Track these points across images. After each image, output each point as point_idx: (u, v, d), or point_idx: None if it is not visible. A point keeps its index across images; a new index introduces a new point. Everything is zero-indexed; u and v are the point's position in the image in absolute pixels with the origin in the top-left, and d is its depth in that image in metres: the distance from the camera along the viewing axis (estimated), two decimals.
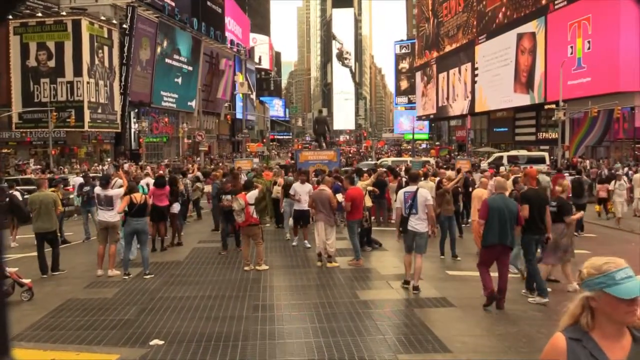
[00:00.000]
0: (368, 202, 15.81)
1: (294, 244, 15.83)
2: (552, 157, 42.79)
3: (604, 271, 2.47)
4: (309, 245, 15.32)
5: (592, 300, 2.49)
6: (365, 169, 20.68)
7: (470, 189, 17.55)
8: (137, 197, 12.41)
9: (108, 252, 12.51)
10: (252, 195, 12.98)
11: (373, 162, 36.30)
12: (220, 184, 19.56)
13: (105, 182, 13.07)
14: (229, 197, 13.96)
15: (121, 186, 13.40)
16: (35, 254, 12.68)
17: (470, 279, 11.98)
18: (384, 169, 21.37)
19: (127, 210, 12.40)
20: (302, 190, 15.16)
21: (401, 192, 11.33)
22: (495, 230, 9.34)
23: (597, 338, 2.49)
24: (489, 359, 7.36)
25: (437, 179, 16.51)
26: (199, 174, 22.05)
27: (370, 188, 16.33)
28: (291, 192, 15.53)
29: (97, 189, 13.05)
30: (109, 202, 12.48)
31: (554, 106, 45.95)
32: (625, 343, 2.50)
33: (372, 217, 17.36)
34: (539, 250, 10.77)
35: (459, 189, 16.93)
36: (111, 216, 12.49)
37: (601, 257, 2.56)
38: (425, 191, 11.08)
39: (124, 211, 12.55)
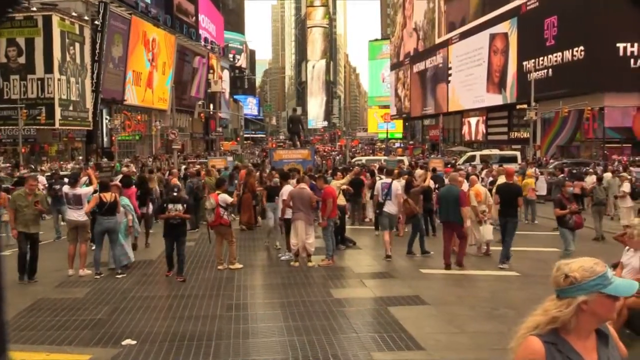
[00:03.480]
0: (342, 201, 15.77)
1: (285, 257, 13.77)
2: (534, 157, 43.10)
3: (597, 272, 2.46)
4: (279, 247, 14.91)
5: (584, 304, 2.46)
6: (340, 168, 20.72)
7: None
8: (107, 196, 12.19)
9: (79, 251, 12.34)
10: (225, 198, 12.87)
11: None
12: (196, 182, 19.44)
13: (74, 180, 12.87)
14: (178, 206, 11.70)
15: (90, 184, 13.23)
16: (5, 253, 12.48)
17: (443, 276, 12.10)
18: (360, 168, 21.38)
19: (98, 209, 12.19)
20: (286, 192, 13.84)
21: (379, 182, 14.71)
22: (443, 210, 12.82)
23: (570, 340, 2.48)
24: (462, 356, 7.43)
25: (406, 177, 16.46)
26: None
27: (344, 187, 16.25)
28: (285, 197, 13.65)
29: (66, 188, 12.88)
30: (77, 201, 12.30)
31: (525, 106, 46.48)
32: (592, 341, 2.52)
33: (347, 216, 17.36)
34: None
35: (433, 188, 17.07)
36: (80, 215, 12.32)
37: (583, 258, 2.54)
38: (398, 183, 14.37)
39: (92, 210, 12.34)
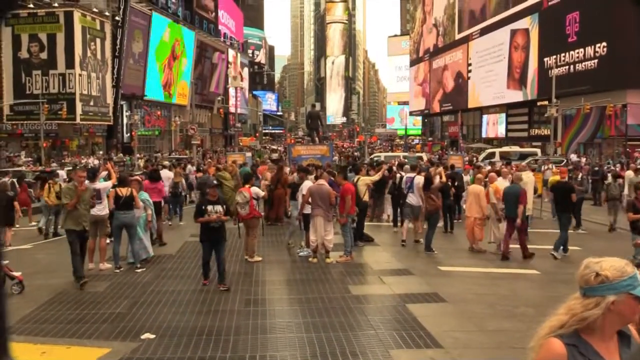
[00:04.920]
0: (367, 197, 15.65)
1: (304, 253, 13.74)
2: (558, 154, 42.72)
3: (628, 273, 2.42)
4: (293, 245, 14.69)
5: (612, 304, 2.41)
6: (366, 164, 20.65)
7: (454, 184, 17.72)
8: (123, 190, 12.22)
9: (99, 245, 12.42)
10: (257, 191, 13.05)
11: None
12: (205, 178, 19.44)
13: (92, 175, 12.93)
14: (218, 208, 10.76)
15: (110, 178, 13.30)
16: (26, 246, 12.60)
17: (462, 274, 12.03)
18: (388, 165, 21.08)
19: (114, 204, 12.24)
20: (306, 188, 13.77)
21: (404, 177, 16.26)
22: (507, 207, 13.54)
23: (592, 342, 2.43)
24: (480, 354, 7.38)
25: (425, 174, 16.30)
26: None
27: (371, 184, 16.07)
28: (304, 192, 13.54)
29: (86, 183, 12.97)
30: (97, 196, 12.39)
31: (546, 103, 46.03)
32: (614, 342, 2.47)
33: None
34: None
35: (451, 184, 17.00)
36: (99, 209, 12.39)
37: (612, 258, 2.50)
38: (420, 178, 15.17)
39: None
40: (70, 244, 11.06)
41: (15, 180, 20.07)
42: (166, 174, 19.49)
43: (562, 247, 13.58)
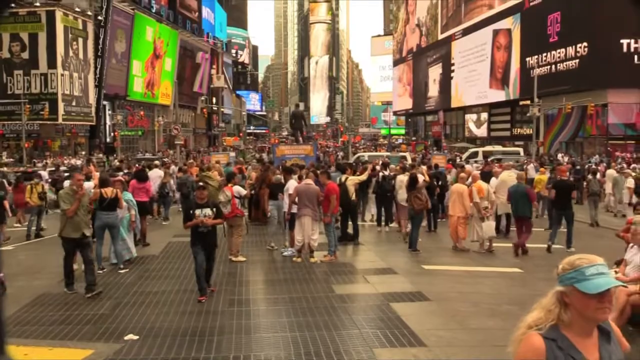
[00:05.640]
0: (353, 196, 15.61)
1: (287, 253, 13.73)
2: (539, 154, 42.97)
3: (575, 266, 2.49)
4: (275, 247, 14.52)
5: (565, 296, 2.49)
6: (351, 164, 20.71)
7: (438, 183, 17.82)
8: (108, 191, 12.13)
9: None
10: (239, 189, 13.04)
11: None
12: (184, 179, 19.48)
13: (71, 175, 12.82)
14: (207, 211, 10.01)
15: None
16: (9, 247, 12.49)
17: (446, 273, 12.10)
18: (372, 165, 21.14)
19: (98, 205, 12.13)
20: (292, 187, 13.68)
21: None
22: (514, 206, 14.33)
23: (571, 336, 2.48)
24: (464, 352, 7.43)
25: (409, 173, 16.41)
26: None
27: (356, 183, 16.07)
28: (291, 191, 13.49)
29: (66, 183, 12.85)
30: None
31: (528, 102, 46.36)
32: (595, 339, 2.52)
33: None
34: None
35: (435, 183, 17.09)
36: None
37: (579, 253, 2.57)
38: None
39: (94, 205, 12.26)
40: (66, 253, 10.39)
41: (4, 180, 20.08)
42: (157, 173, 19.52)
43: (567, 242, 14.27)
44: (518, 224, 14.31)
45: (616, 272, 8.05)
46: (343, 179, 15.41)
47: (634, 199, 18.65)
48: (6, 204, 16.66)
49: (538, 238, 14.68)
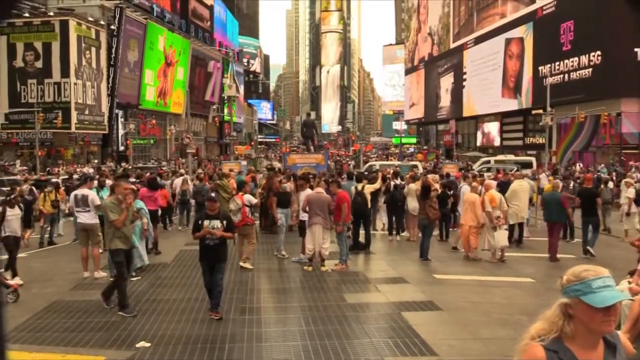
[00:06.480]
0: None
1: (296, 259, 13.85)
2: (552, 163, 42.78)
3: (582, 278, 2.46)
4: (286, 255, 14.50)
5: (570, 308, 2.47)
6: (365, 174, 20.70)
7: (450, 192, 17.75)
8: None
9: (91, 254, 12.36)
10: (250, 198, 13.07)
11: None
12: (199, 186, 19.60)
13: (83, 181, 12.91)
14: (215, 223, 9.43)
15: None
16: (22, 255, 12.54)
17: (457, 282, 12.05)
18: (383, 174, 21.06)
19: None
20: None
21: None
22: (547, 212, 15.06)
23: (575, 349, 2.45)
24: None
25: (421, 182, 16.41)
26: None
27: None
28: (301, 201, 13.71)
29: (76, 190, 12.93)
30: (85, 203, 12.31)
31: (541, 111, 46.16)
32: (600, 352, 2.49)
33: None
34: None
35: (447, 192, 17.03)
36: (88, 218, 12.32)
37: (585, 265, 2.56)
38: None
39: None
40: (117, 266, 9.80)
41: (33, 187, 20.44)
42: (179, 182, 20.69)
43: (589, 248, 14.86)
44: (551, 228, 14.83)
45: (630, 283, 7.99)
46: (360, 187, 15.45)
47: (633, 209, 18.59)
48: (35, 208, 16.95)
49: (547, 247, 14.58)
